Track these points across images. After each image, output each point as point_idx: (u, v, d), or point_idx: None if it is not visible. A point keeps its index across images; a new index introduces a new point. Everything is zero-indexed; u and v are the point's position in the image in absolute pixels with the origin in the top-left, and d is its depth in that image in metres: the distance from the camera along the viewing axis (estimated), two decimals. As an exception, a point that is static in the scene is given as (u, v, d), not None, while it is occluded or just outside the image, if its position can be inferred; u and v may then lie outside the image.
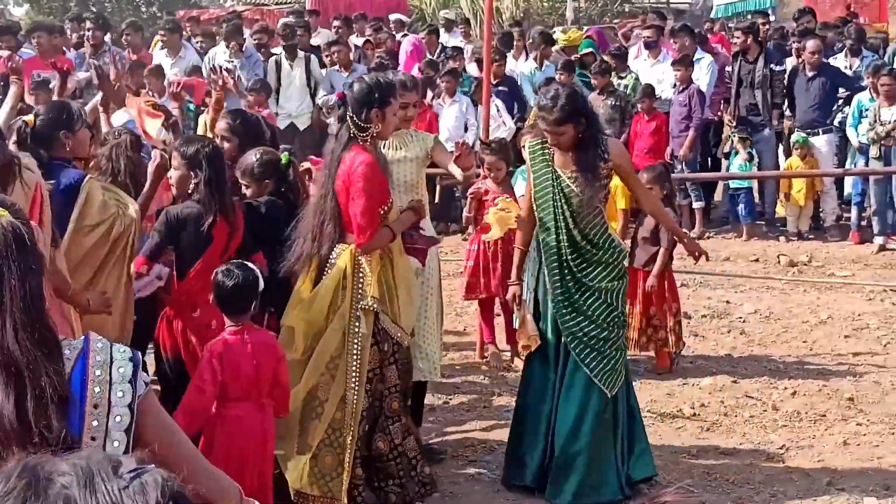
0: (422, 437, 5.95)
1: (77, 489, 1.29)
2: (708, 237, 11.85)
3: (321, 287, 5.17)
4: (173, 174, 5.31)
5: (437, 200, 11.35)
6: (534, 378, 5.68)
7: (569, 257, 5.49)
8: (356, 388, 5.11)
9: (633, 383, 7.10)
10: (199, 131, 6.57)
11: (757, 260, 10.87)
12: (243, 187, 5.52)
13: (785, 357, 7.86)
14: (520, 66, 13.49)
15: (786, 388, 7.11)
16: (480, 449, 6.24)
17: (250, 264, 4.87)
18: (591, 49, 13.77)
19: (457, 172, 5.79)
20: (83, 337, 2.26)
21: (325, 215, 5.15)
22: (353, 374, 5.12)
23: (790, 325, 8.64)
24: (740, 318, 8.87)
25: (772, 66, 11.90)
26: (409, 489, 5.34)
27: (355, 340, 5.12)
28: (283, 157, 5.65)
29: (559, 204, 5.49)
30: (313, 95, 12.60)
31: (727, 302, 9.31)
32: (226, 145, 5.77)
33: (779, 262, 10.73)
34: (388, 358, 5.24)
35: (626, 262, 5.71)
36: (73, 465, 1.33)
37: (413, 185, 5.99)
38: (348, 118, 5.17)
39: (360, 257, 5.15)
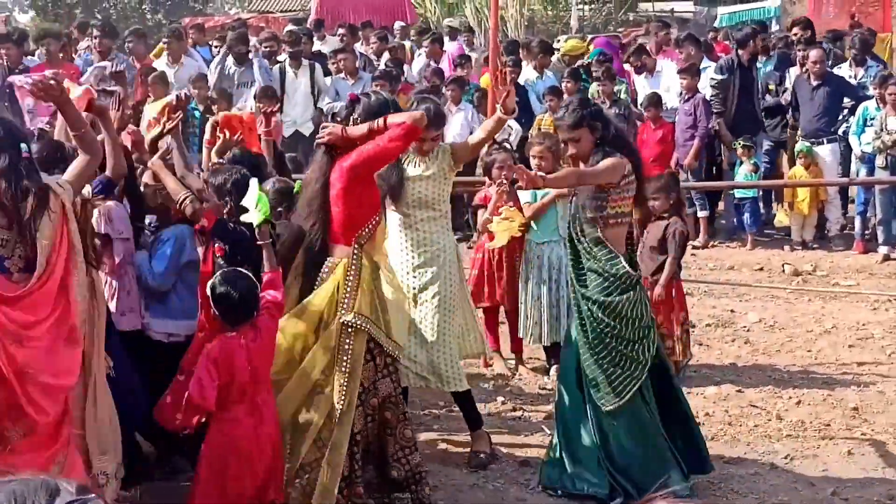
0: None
1: None
2: (713, 246, 11.86)
3: (312, 301, 5.06)
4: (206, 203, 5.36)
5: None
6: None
7: (571, 259, 5.62)
8: (343, 405, 4.94)
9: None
10: (207, 136, 6.56)
11: (762, 269, 10.87)
12: None
13: (789, 366, 7.86)
14: (522, 75, 13.50)
15: (790, 398, 7.11)
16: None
17: (242, 270, 4.91)
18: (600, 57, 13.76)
19: (490, 123, 5.95)
20: None
21: (316, 226, 5.11)
22: (342, 391, 4.95)
23: (795, 334, 8.64)
24: (745, 327, 8.87)
25: (765, 72, 12.04)
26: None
27: (345, 358, 4.96)
28: (297, 185, 5.66)
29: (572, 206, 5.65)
30: (318, 103, 12.62)
31: (732, 311, 9.31)
32: None
33: (783, 271, 10.73)
34: (381, 371, 5.13)
35: (626, 280, 5.45)
36: (9, 492, 1.32)
37: (430, 203, 5.97)
38: (353, 122, 5.14)
39: (349, 272, 5.01)
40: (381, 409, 5.18)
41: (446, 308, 5.95)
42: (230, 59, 12.59)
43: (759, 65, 12.80)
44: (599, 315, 5.45)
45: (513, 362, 7.81)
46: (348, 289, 5.00)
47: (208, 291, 4.80)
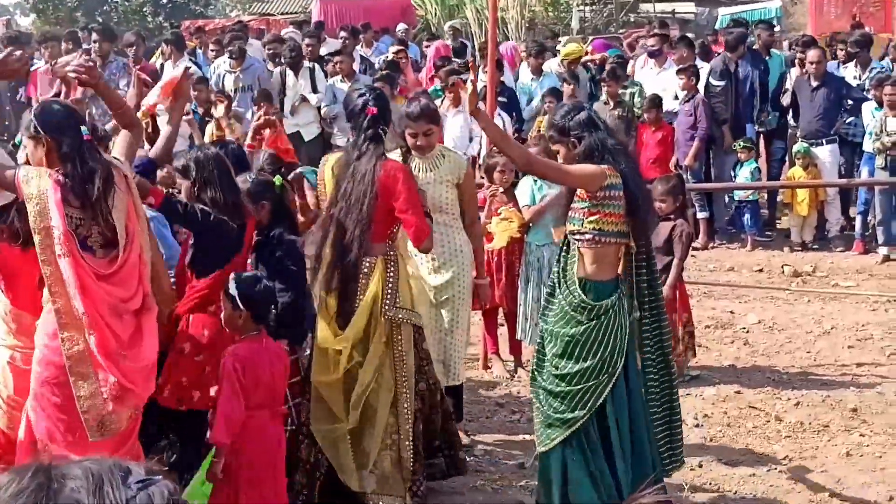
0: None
1: (86, 495, 1.31)
2: (712, 247, 11.86)
3: (365, 302, 5.23)
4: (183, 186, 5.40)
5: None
6: None
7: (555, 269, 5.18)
8: (407, 392, 5.27)
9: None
10: (207, 140, 6.60)
11: (761, 270, 10.86)
12: None
13: (788, 367, 7.86)
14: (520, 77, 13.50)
15: (789, 399, 7.11)
16: (484, 460, 6.24)
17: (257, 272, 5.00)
18: (616, 59, 13.78)
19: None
20: None
21: (353, 226, 5.19)
22: (403, 380, 5.26)
23: (794, 335, 8.64)
24: (744, 328, 8.87)
25: (759, 70, 12.08)
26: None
27: (400, 348, 5.28)
28: (276, 179, 5.67)
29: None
30: (319, 106, 12.62)
31: (731, 312, 9.31)
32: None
33: (783, 272, 10.72)
34: (424, 357, 5.44)
35: (586, 312, 4.89)
36: (86, 469, 1.34)
37: (443, 206, 6.11)
38: (380, 133, 5.30)
39: (389, 269, 5.27)
40: (431, 391, 5.48)
41: (461, 306, 6.23)
42: (227, 63, 12.63)
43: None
44: (546, 342, 5.05)
45: (512, 364, 7.81)
46: (391, 284, 5.26)
47: (235, 290, 4.70)
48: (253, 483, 4.65)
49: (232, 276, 4.82)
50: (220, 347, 4.92)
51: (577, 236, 4.93)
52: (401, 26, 17.70)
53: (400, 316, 5.28)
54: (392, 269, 5.29)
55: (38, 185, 4.27)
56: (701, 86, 12.02)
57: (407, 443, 5.28)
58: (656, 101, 11.80)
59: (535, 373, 5.14)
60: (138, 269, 4.46)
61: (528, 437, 6.55)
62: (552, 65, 13.72)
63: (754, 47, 12.64)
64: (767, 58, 12.51)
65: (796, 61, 12.65)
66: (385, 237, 5.30)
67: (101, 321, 4.27)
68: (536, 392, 5.12)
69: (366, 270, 5.25)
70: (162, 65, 13.19)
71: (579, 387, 4.88)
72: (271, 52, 13.28)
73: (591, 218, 4.86)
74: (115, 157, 4.60)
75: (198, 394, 5.14)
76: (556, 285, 5.03)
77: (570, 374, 4.90)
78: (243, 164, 5.98)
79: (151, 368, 4.55)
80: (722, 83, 11.97)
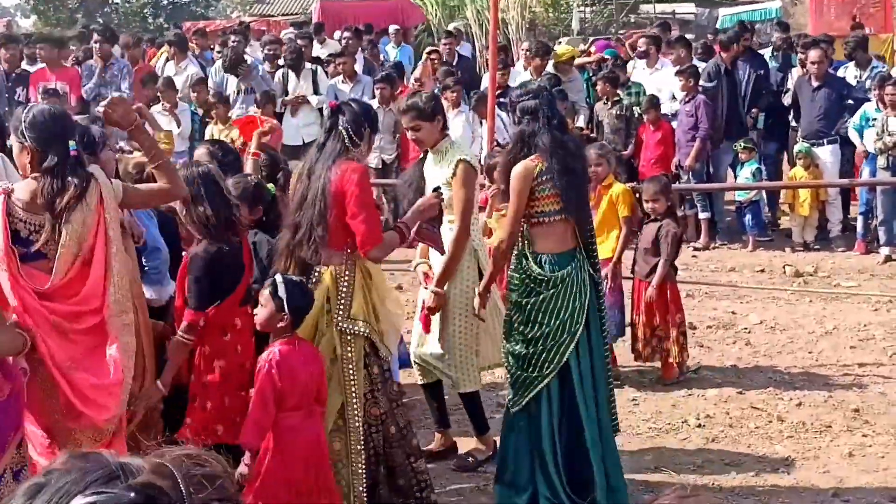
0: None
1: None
2: (714, 248, 11.86)
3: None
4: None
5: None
6: None
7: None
8: (358, 414, 4.93)
9: (639, 395, 7.13)
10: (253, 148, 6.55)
11: (763, 270, 10.85)
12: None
13: (790, 368, 7.85)
14: (518, 78, 13.47)
15: (791, 399, 7.10)
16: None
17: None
18: (617, 60, 13.80)
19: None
20: None
21: (305, 231, 4.97)
22: (353, 400, 4.93)
23: (796, 335, 8.63)
24: (746, 328, 8.86)
25: (758, 73, 12.11)
26: None
27: (349, 365, 4.93)
28: (270, 187, 5.66)
29: None
30: (321, 107, 12.61)
31: (733, 313, 9.30)
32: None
33: (784, 272, 10.72)
34: (376, 381, 5.06)
35: (540, 282, 5.31)
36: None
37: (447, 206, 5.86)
38: (343, 130, 5.03)
39: (342, 279, 4.95)
40: (385, 420, 5.13)
41: (461, 311, 5.93)
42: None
43: (775, 63, 12.89)
44: (512, 313, 5.45)
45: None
46: (342, 295, 4.95)
47: (285, 293, 4.65)
48: (290, 483, 4.65)
49: (279, 277, 4.73)
50: (235, 377, 4.91)
51: (524, 219, 5.37)
52: (392, 27, 17.65)
53: (353, 328, 4.91)
54: (346, 279, 4.94)
55: None
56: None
57: (359, 469, 4.94)
58: (655, 102, 11.81)
59: (504, 339, 5.52)
60: (102, 286, 4.30)
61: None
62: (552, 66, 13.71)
63: (767, 48, 12.68)
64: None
65: (798, 61, 12.64)
66: (343, 245, 4.96)
67: (42, 341, 4.15)
68: (506, 356, 5.48)
69: (314, 280, 4.97)
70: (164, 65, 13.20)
71: (541, 348, 5.29)
72: (270, 52, 13.28)
73: (532, 203, 5.32)
74: (108, 180, 4.44)
75: (221, 428, 4.94)
76: (518, 261, 5.43)
77: (534, 338, 5.31)
78: (236, 167, 5.93)
79: (115, 387, 4.31)
80: (710, 84, 11.96)
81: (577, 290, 5.30)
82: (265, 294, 4.71)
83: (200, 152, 6.06)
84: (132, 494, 1.24)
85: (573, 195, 5.33)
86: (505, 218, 6.94)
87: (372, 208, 5.05)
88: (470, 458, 6.15)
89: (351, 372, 4.94)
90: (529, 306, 5.33)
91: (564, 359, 5.28)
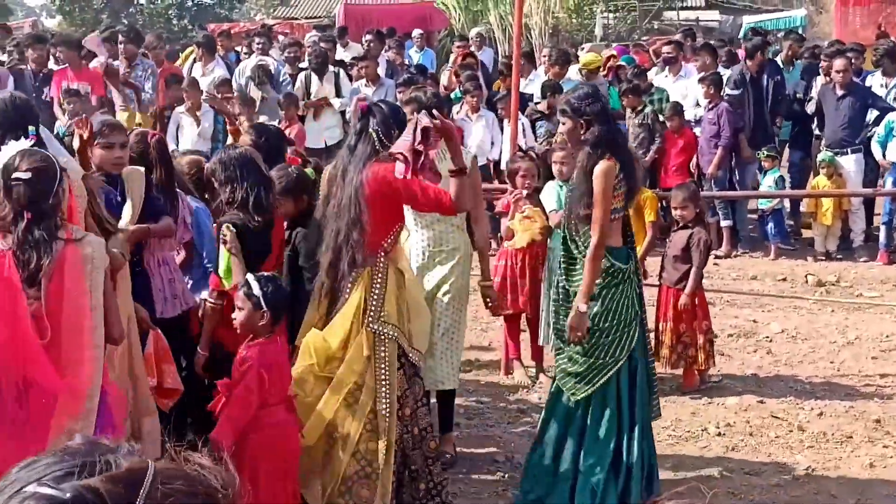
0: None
1: None
2: (736, 256, 11.82)
3: (343, 313, 4.98)
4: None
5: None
6: None
7: (561, 260, 5.59)
8: (387, 416, 4.92)
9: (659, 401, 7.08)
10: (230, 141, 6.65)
11: (785, 279, 10.82)
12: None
13: (812, 377, 7.82)
14: (537, 82, 13.49)
15: (812, 409, 7.07)
16: (505, 465, 6.24)
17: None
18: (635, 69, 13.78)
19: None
20: None
21: (342, 232, 4.97)
22: (384, 401, 4.93)
23: (817, 345, 8.60)
24: (767, 337, 8.83)
25: (774, 80, 12.06)
26: None
27: (383, 366, 4.95)
28: (309, 171, 5.69)
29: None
30: (343, 110, 12.64)
31: (754, 321, 9.28)
32: None
33: (807, 281, 10.68)
34: (409, 380, 5.11)
35: (614, 274, 5.44)
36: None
37: None
38: (373, 133, 5.04)
39: (375, 280, 4.95)
40: (411, 422, 5.14)
41: (455, 307, 6.01)
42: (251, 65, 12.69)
43: (786, 73, 12.83)
44: (561, 302, 5.52)
45: (533, 370, 7.80)
46: (375, 297, 4.97)
47: (259, 291, 4.68)
48: (272, 473, 4.67)
49: (250, 276, 4.78)
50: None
51: (583, 218, 5.43)
52: (415, 31, 17.68)
53: (385, 331, 4.95)
54: (379, 281, 4.97)
55: None
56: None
57: (388, 471, 4.91)
58: (678, 109, 11.79)
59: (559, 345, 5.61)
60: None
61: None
62: (573, 73, 13.71)
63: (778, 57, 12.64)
64: (791, 68, 12.51)
65: (821, 70, 12.59)
66: (377, 247, 4.98)
67: None
68: (563, 350, 5.53)
69: (352, 280, 4.97)
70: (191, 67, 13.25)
71: (614, 336, 5.42)
72: (291, 55, 13.32)
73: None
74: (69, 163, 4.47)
75: None
76: (574, 260, 5.48)
77: (607, 328, 5.42)
78: (280, 148, 5.99)
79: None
80: (736, 92, 11.94)
81: (637, 282, 5.58)
82: (240, 296, 4.74)
83: (245, 141, 6.19)
84: (67, 496, 1.22)
85: (633, 193, 5.58)
86: (528, 220, 6.96)
87: (422, 183, 4.94)
88: (447, 455, 6.10)
89: (384, 372, 4.96)
90: (601, 296, 5.42)
91: (633, 343, 5.46)
